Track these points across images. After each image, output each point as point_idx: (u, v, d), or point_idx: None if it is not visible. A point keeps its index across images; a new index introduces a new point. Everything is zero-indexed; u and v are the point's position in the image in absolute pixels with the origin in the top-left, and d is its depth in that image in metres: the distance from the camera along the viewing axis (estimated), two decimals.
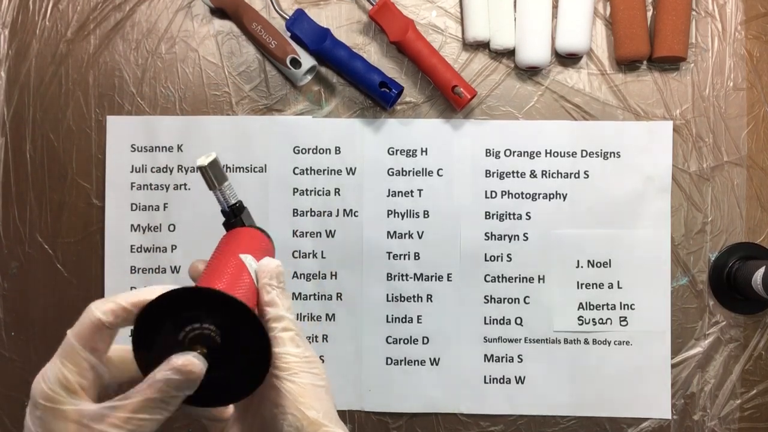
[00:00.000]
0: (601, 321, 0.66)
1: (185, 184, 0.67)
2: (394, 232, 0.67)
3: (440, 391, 0.66)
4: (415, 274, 0.66)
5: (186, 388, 0.32)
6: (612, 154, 0.67)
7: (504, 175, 0.67)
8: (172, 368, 0.31)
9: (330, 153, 0.67)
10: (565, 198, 0.67)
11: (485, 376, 0.66)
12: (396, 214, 0.67)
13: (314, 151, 0.67)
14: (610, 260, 0.66)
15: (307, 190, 0.67)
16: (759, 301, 0.65)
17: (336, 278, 0.66)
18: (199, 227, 0.67)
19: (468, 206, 0.67)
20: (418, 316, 0.66)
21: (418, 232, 0.67)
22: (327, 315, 0.66)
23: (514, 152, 0.67)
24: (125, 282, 0.66)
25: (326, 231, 0.67)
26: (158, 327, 0.32)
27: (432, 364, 0.66)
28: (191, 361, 0.31)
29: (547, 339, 0.66)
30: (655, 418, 0.66)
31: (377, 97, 0.65)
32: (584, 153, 0.67)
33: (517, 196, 0.67)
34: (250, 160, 0.67)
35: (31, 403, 0.33)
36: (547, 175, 0.67)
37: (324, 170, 0.67)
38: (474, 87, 0.65)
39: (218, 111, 0.67)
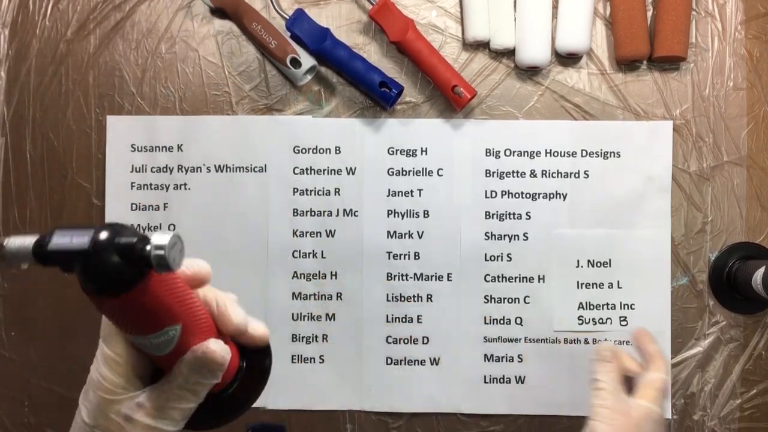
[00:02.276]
0: (601, 321, 0.66)
1: (185, 184, 0.67)
2: (394, 231, 0.67)
3: (440, 391, 0.66)
4: (415, 274, 0.66)
5: (210, 374, 0.34)
6: (612, 154, 0.67)
7: (504, 175, 0.67)
8: (195, 355, 0.33)
9: (330, 153, 0.67)
10: (565, 198, 0.67)
11: (485, 376, 0.66)
12: (396, 214, 0.67)
13: (314, 150, 0.67)
14: (610, 260, 0.66)
15: (307, 189, 0.67)
16: (759, 301, 0.65)
17: (336, 278, 0.66)
18: (199, 227, 0.67)
19: (468, 206, 0.67)
20: (418, 316, 0.66)
21: (418, 232, 0.67)
22: (327, 315, 0.66)
23: (514, 152, 0.67)
24: None
25: (326, 231, 0.67)
26: None
27: (432, 364, 0.66)
28: (209, 348, 0.33)
29: (547, 339, 0.66)
30: None
31: (377, 97, 0.65)
32: (584, 153, 0.67)
33: (517, 195, 0.67)
34: (250, 160, 0.67)
35: (83, 391, 0.35)
36: (547, 175, 0.67)
37: (324, 170, 0.67)
38: (474, 87, 0.65)
39: (218, 111, 0.67)
